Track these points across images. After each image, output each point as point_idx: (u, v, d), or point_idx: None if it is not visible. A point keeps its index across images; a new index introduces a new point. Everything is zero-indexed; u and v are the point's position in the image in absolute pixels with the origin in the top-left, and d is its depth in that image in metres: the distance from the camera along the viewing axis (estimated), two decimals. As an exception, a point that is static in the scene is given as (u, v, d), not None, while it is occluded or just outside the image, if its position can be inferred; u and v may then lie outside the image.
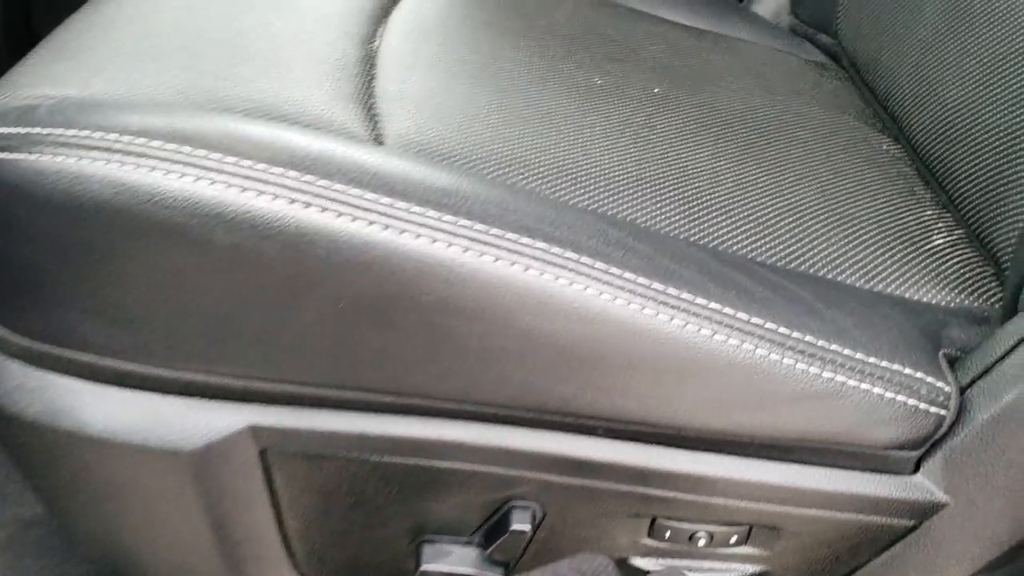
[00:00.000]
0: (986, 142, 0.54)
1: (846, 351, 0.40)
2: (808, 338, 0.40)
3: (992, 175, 0.53)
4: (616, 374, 0.38)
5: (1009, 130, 0.52)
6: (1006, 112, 0.52)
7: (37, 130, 0.37)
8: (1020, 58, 0.51)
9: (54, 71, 0.47)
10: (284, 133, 0.39)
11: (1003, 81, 0.52)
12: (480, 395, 0.39)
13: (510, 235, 0.37)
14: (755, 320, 0.39)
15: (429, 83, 0.55)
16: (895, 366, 0.41)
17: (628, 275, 0.38)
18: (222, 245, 0.35)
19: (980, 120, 0.54)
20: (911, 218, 0.57)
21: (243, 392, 0.40)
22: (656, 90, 0.62)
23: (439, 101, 0.53)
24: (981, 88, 0.55)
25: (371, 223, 0.36)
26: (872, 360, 0.41)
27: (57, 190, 0.35)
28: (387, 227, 0.36)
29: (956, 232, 0.56)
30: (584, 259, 0.38)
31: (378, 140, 0.48)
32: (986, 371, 0.42)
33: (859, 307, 0.43)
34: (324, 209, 0.36)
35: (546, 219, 0.39)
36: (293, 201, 0.36)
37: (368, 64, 0.55)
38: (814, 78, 0.74)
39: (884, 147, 0.65)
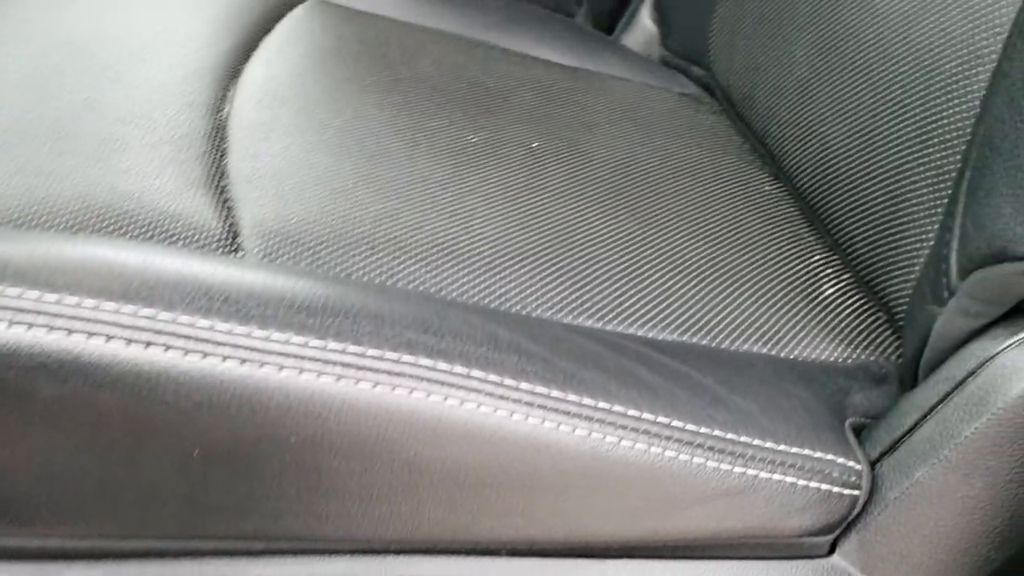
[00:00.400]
0: (872, 188, 0.53)
1: (755, 442, 0.38)
2: (716, 432, 0.37)
3: (879, 222, 0.52)
4: (517, 496, 0.35)
5: (895, 177, 0.51)
6: (891, 158, 0.51)
7: None
8: (900, 105, 0.51)
9: None
10: (117, 254, 0.34)
11: (887, 126, 0.52)
12: (364, 533, 0.34)
13: (389, 355, 0.33)
14: (661, 420, 0.36)
15: (288, 156, 0.50)
16: (805, 451, 0.39)
17: (524, 386, 0.35)
18: (48, 398, 0.30)
19: (864, 165, 0.54)
20: (800, 267, 0.56)
21: (90, 551, 0.34)
22: (534, 144, 0.59)
23: (300, 178, 0.48)
24: (863, 132, 0.54)
25: (225, 359, 0.31)
26: (782, 448, 0.38)
27: None
28: (244, 361, 0.31)
29: (845, 278, 0.55)
30: (475, 373, 0.34)
31: (233, 231, 0.43)
32: (894, 445, 0.40)
33: (762, 387, 0.41)
34: (168, 348, 0.31)
35: (429, 328, 0.35)
36: (131, 342, 0.30)
37: (218, 138, 0.50)
38: (690, 115, 0.72)
39: (766, 187, 0.64)
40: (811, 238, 0.59)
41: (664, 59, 0.83)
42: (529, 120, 0.63)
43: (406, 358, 0.33)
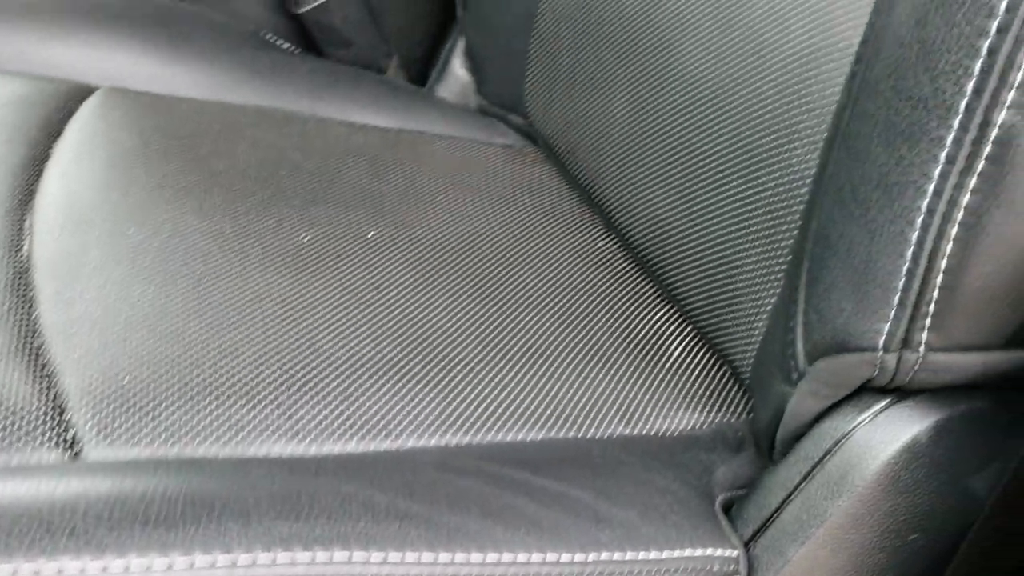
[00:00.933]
0: (702, 251, 0.55)
1: (640, 556, 0.38)
2: (604, 556, 0.37)
3: (714, 284, 0.54)
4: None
5: (724, 242, 0.52)
6: (718, 224, 0.53)
7: None
8: (720, 173, 0.52)
9: None
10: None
11: (710, 193, 0.53)
12: None
13: (263, 558, 0.31)
14: (550, 558, 0.36)
15: (105, 296, 0.45)
16: (687, 551, 0.40)
17: (410, 556, 0.33)
18: None
19: (693, 228, 0.55)
20: (645, 328, 0.57)
21: None
22: (370, 234, 0.57)
23: (123, 322, 0.44)
24: (688, 197, 0.55)
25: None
26: (665, 555, 0.39)
27: None
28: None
29: (687, 333, 0.57)
30: (356, 556, 0.32)
31: (58, 407, 0.39)
32: (765, 524, 0.42)
33: (637, 489, 0.42)
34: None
35: (300, 512, 0.33)
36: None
37: (22, 285, 0.45)
38: (516, 170, 0.72)
39: (600, 243, 0.65)
40: (651, 294, 0.60)
41: (482, 107, 0.82)
42: (360, 203, 0.60)
43: (281, 556, 0.31)
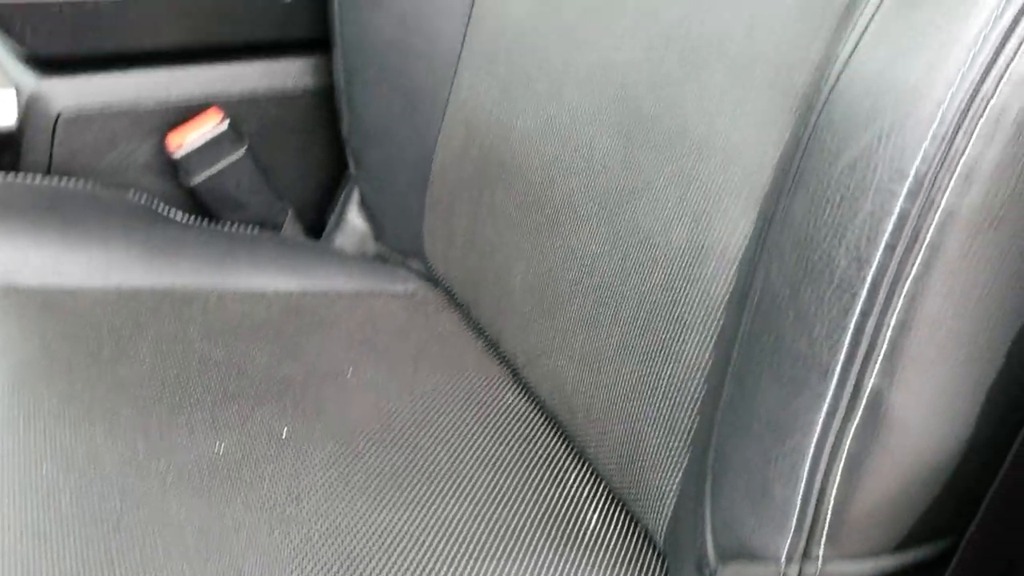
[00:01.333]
0: (611, 423, 0.57)
1: None
2: None
3: (624, 457, 0.57)
4: None
5: (632, 418, 0.55)
6: (625, 399, 0.56)
7: None
8: (622, 350, 0.55)
9: None
10: None
11: (616, 368, 0.56)
12: None
13: None
14: None
15: (21, 551, 0.44)
16: None
17: None
18: None
19: (600, 401, 0.58)
20: (561, 497, 0.59)
21: None
22: (284, 433, 0.58)
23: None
24: (596, 370, 0.58)
25: None
26: None
27: None
28: None
29: (602, 495, 0.59)
30: None
31: None
32: None
33: None
34: None
35: None
36: None
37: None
38: (421, 322, 0.74)
39: (508, 399, 0.67)
40: (563, 454, 0.62)
41: (380, 254, 0.84)
42: (270, 394, 0.61)
43: None
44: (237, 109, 0.80)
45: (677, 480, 0.52)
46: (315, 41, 0.82)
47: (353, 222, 0.85)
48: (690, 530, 0.47)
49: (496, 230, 0.67)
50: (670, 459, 0.53)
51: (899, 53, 0.32)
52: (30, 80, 0.74)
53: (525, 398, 0.67)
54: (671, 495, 0.53)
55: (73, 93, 0.75)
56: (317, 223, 0.87)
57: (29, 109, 0.74)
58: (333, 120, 0.83)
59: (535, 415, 0.66)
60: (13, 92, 0.75)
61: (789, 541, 0.40)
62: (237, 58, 0.81)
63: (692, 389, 0.50)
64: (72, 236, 0.70)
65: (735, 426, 0.40)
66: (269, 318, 0.69)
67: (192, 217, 0.78)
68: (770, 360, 0.37)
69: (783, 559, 0.40)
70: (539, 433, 0.64)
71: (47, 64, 0.74)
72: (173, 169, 0.78)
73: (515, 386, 0.68)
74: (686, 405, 0.51)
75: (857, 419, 0.35)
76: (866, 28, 0.34)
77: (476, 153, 0.68)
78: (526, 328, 0.65)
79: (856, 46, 0.34)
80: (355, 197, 0.86)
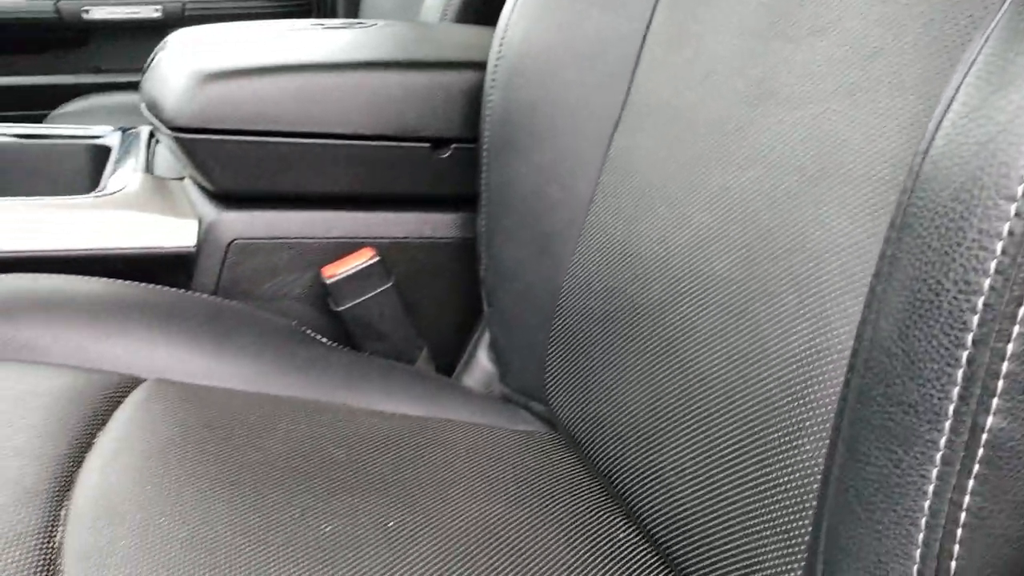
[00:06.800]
0: (726, 545, 0.54)
1: None
2: None
3: (746, 569, 0.53)
4: None
5: (745, 536, 0.53)
6: (738, 518, 0.53)
7: None
8: (736, 468, 0.54)
9: None
10: None
11: (728, 488, 0.54)
12: None
13: None
14: None
15: (130, 587, 0.46)
16: None
17: None
18: None
19: (714, 521, 0.55)
20: (671, 629, 0.55)
21: None
22: (390, 524, 0.58)
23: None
24: (709, 490, 0.56)
25: None
26: None
27: None
28: None
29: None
30: None
31: None
32: None
33: None
34: None
35: None
36: None
37: (49, 574, 0.46)
38: (537, 457, 0.74)
39: (621, 534, 0.65)
40: (676, 591, 0.59)
41: (505, 395, 0.86)
42: (384, 491, 0.62)
43: None
44: (388, 251, 0.87)
45: (793, 602, 0.49)
46: (462, 198, 0.89)
47: (482, 362, 0.88)
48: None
49: (615, 362, 0.68)
50: (790, 572, 0.49)
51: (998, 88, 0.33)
52: (211, 211, 0.84)
53: (637, 534, 0.65)
54: (787, 621, 0.49)
55: (245, 225, 0.84)
56: (448, 363, 0.90)
57: (206, 236, 0.84)
58: (472, 270, 0.89)
59: (647, 551, 0.63)
60: (196, 222, 0.84)
61: (908, 628, 0.36)
62: (393, 208, 0.89)
63: (808, 495, 0.48)
64: (226, 346, 0.76)
65: (844, 499, 0.38)
66: (392, 433, 0.71)
67: (334, 343, 0.83)
68: (879, 416, 0.36)
69: (902, 652, 0.36)
70: (650, 564, 0.61)
71: (227, 198, 0.84)
72: (324, 298, 0.85)
73: (627, 522, 0.66)
74: (804, 513, 0.48)
75: (976, 470, 0.33)
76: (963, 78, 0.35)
77: (600, 287, 0.71)
78: (643, 454, 0.64)
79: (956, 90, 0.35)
80: (485, 339, 0.89)
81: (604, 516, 0.66)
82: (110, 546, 0.49)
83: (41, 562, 0.46)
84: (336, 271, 0.83)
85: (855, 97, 0.53)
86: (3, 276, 0.72)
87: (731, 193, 0.58)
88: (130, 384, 0.67)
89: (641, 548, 0.64)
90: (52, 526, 0.49)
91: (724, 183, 0.59)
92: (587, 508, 0.67)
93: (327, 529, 0.55)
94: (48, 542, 0.48)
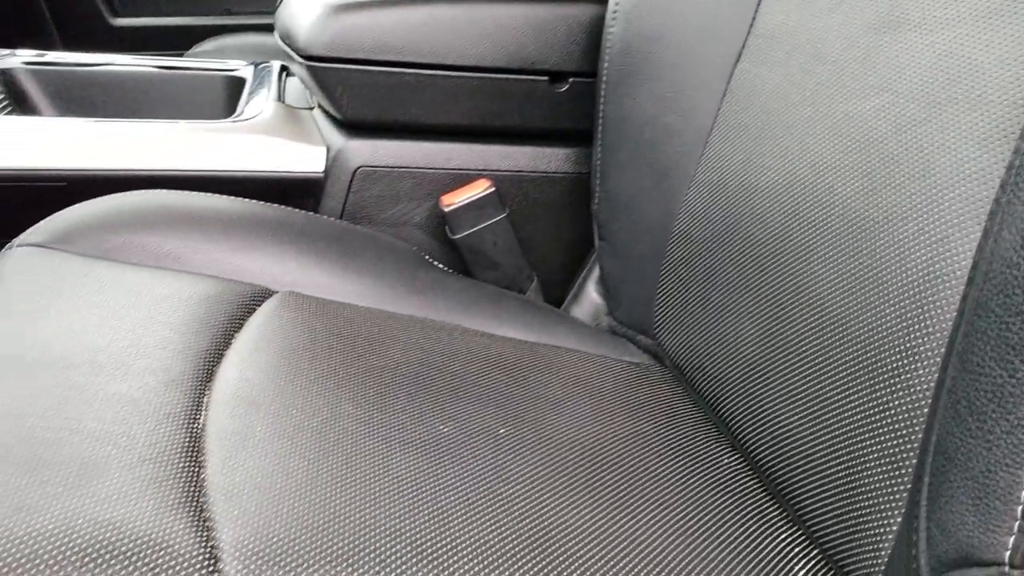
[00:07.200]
0: (829, 470, 0.55)
1: None
2: None
3: (840, 504, 0.54)
4: None
5: (850, 461, 0.53)
6: (844, 442, 0.54)
7: None
8: (845, 394, 0.54)
9: None
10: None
11: (835, 413, 0.55)
12: None
13: None
14: None
15: (264, 466, 0.50)
16: None
17: None
18: None
19: (819, 448, 0.56)
20: (768, 547, 0.57)
21: None
22: (502, 431, 0.61)
23: (278, 490, 0.48)
24: (814, 417, 0.57)
25: None
26: None
27: None
28: None
29: (813, 556, 0.56)
30: None
31: (214, 556, 0.43)
32: None
33: None
34: None
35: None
36: None
37: (194, 451, 0.50)
38: (643, 385, 0.76)
39: (725, 459, 0.66)
40: (775, 514, 0.60)
41: (612, 328, 0.87)
42: (494, 403, 0.65)
43: None
44: (503, 183, 0.89)
45: (895, 525, 0.49)
46: (577, 133, 0.90)
47: (591, 296, 0.90)
48: (902, 566, 0.44)
49: (726, 293, 0.68)
50: (891, 500, 0.50)
51: None
52: (338, 139, 0.88)
53: (741, 461, 0.66)
54: (887, 544, 0.50)
55: (370, 153, 0.87)
56: (557, 296, 0.92)
57: (334, 163, 0.88)
58: (585, 204, 0.90)
59: (750, 477, 0.64)
60: (325, 149, 0.88)
61: (1014, 539, 0.36)
62: (510, 141, 0.91)
63: (918, 420, 0.48)
64: (351, 265, 0.80)
65: (955, 411, 0.39)
66: (504, 354, 0.74)
67: (450, 269, 0.86)
68: (996, 327, 0.36)
69: (1006, 562, 0.37)
70: (752, 492, 0.63)
71: (353, 127, 0.88)
72: (441, 226, 0.88)
73: (732, 451, 0.67)
74: (912, 437, 0.49)
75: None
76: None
77: (715, 217, 0.71)
78: (750, 383, 0.65)
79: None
80: (595, 274, 0.91)
81: (708, 443, 0.68)
82: (248, 430, 0.53)
83: (188, 440, 0.51)
84: (454, 200, 0.86)
85: (991, 21, 0.51)
86: (150, 192, 0.78)
87: (855, 121, 0.58)
88: (263, 295, 0.72)
89: (744, 474, 0.65)
90: (196, 410, 0.54)
91: (848, 111, 0.59)
92: (691, 435, 0.68)
93: (443, 430, 0.59)
94: (193, 423, 0.53)
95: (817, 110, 0.62)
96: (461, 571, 0.46)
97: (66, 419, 0.48)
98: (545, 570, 0.48)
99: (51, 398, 0.50)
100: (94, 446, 0.47)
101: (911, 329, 0.50)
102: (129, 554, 0.41)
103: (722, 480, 0.63)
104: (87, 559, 0.40)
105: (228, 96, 1.06)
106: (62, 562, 0.39)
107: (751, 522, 0.59)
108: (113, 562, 0.40)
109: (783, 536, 0.58)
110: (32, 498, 0.42)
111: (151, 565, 0.41)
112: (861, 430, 0.53)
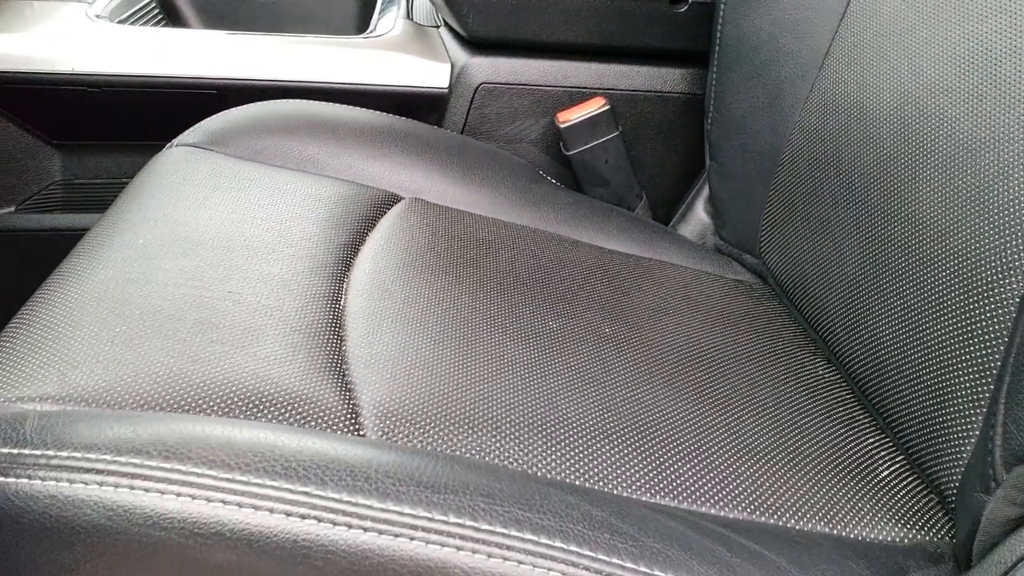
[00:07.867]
0: (919, 379, 0.58)
1: (825, 618, 0.42)
2: (791, 611, 0.41)
3: (928, 411, 0.57)
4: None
5: (941, 370, 0.56)
6: (935, 353, 0.56)
7: (27, 452, 0.37)
8: (940, 306, 0.56)
9: (27, 365, 0.47)
10: (273, 437, 0.40)
11: (930, 325, 0.57)
12: None
13: (500, 530, 0.38)
14: (740, 598, 0.40)
15: (397, 343, 0.57)
16: (871, 629, 0.42)
17: (616, 561, 0.39)
18: (220, 563, 0.36)
19: (911, 358, 0.59)
20: (856, 450, 0.60)
21: None
22: (607, 330, 0.66)
23: (408, 363, 0.55)
24: (909, 329, 0.59)
25: (366, 531, 0.37)
26: (850, 625, 0.42)
27: (49, 515, 0.35)
28: (381, 533, 0.37)
29: (898, 460, 0.60)
30: (573, 548, 0.39)
31: (355, 412, 0.50)
32: (953, 626, 0.44)
33: (830, 566, 0.45)
34: (320, 520, 0.36)
35: (533, 506, 0.40)
36: (289, 515, 0.36)
37: (337, 327, 0.57)
38: (745, 301, 0.79)
39: (820, 371, 0.70)
40: (864, 421, 0.64)
41: (718, 247, 0.90)
42: (600, 308, 0.69)
43: (515, 533, 0.38)
44: (618, 102, 0.92)
45: (978, 430, 0.52)
46: (694, 54, 0.92)
47: (698, 215, 0.92)
48: (979, 461, 0.47)
49: (832, 212, 0.70)
50: (976, 406, 0.52)
51: None
52: (462, 56, 0.93)
53: (836, 373, 0.69)
54: (969, 447, 0.53)
55: (492, 70, 0.92)
56: (665, 214, 0.95)
57: (458, 79, 0.92)
58: (697, 125, 0.92)
59: (844, 388, 0.67)
60: (449, 66, 0.93)
61: (1083, 432, 0.39)
62: (626, 60, 0.93)
63: (1007, 331, 0.50)
64: (471, 176, 0.85)
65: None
66: (611, 264, 0.78)
67: (562, 185, 0.91)
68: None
69: (1074, 454, 0.39)
70: (845, 400, 0.66)
71: (477, 45, 0.92)
72: (556, 144, 0.92)
73: (828, 365, 0.70)
74: (999, 347, 0.51)
75: None
76: None
77: (827, 137, 0.73)
78: (850, 297, 0.67)
79: None
80: (704, 194, 0.93)
81: (805, 356, 0.71)
82: (382, 312, 0.59)
83: (332, 317, 0.58)
84: (569, 116, 0.90)
85: (1118, -59, 0.51)
86: (291, 101, 0.85)
87: (970, 43, 0.59)
88: (391, 200, 0.78)
89: (838, 385, 0.68)
90: (338, 293, 0.61)
91: (965, 32, 0.60)
92: (789, 348, 0.72)
93: (552, 325, 0.64)
94: (335, 303, 0.59)
95: (933, 32, 0.62)
96: (564, 441, 0.51)
97: (228, 292, 0.56)
98: (640, 450, 0.53)
99: (215, 273, 0.57)
100: (253, 316, 0.54)
101: (1008, 244, 0.52)
102: (285, 404, 0.48)
103: (816, 389, 0.66)
104: (251, 405, 0.47)
105: (360, 12, 1.12)
106: (231, 405, 0.47)
107: (842, 427, 0.62)
108: (272, 410, 0.47)
109: (871, 441, 0.61)
110: (204, 352, 0.50)
111: (303, 415, 0.48)
112: (952, 341, 0.55)
